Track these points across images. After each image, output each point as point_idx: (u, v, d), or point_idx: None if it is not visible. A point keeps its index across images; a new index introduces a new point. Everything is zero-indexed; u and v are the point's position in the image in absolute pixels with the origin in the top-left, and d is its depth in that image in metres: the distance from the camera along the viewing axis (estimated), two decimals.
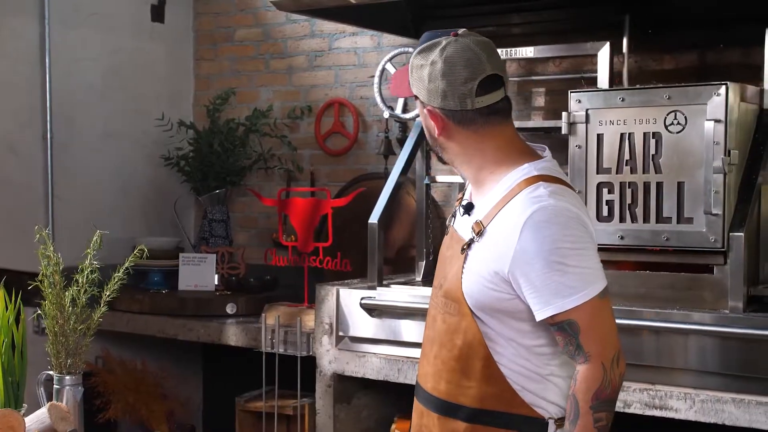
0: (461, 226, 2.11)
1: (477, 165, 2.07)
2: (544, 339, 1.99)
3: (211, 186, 4.63)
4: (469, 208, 2.10)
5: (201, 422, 4.90)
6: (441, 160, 2.16)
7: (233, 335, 3.97)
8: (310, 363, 3.59)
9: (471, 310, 2.00)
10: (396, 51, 3.73)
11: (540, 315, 1.94)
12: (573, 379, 1.96)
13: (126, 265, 2.35)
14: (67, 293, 2.27)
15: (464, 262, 2.02)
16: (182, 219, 4.86)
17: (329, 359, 3.48)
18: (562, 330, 1.93)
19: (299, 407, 3.84)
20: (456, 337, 2.03)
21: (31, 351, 2.40)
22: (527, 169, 2.01)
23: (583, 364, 1.94)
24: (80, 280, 2.27)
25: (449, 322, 2.05)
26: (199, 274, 4.40)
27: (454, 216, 2.20)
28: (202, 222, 4.66)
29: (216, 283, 4.41)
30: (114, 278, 2.34)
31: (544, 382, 2.01)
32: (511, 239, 1.93)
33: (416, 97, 2.08)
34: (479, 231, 2.01)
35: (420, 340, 3.21)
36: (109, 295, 2.33)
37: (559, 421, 2.00)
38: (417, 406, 2.17)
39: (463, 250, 2.03)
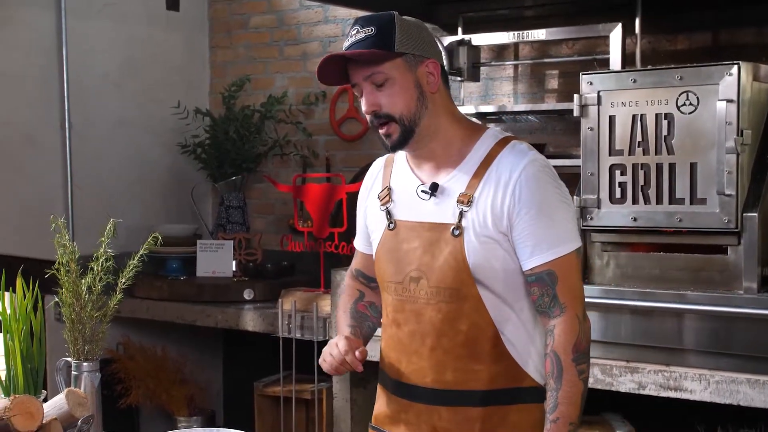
0: (428, 210, 2.06)
1: (445, 139, 2.05)
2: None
3: (228, 173, 4.65)
4: (434, 188, 2.04)
5: (221, 407, 4.95)
6: (395, 147, 2.05)
7: (251, 321, 4.00)
8: None
9: (477, 287, 1.99)
10: None
11: (527, 264, 1.98)
12: (549, 335, 1.98)
13: (141, 252, 2.37)
14: (83, 281, 2.30)
15: (463, 239, 1.99)
16: (199, 206, 4.89)
17: None
18: (540, 280, 1.98)
19: (316, 392, 3.87)
20: (459, 322, 2.01)
21: (51, 338, 2.44)
22: (493, 134, 2.08)
23: (558, 317, 1.97)
24: (95, 268, 2.29)
25: (446, 311, 2.01)
26: (217, 260, 4.43)
27: (388, 212, 2.12)
28: (219, 209, 4.69)
29: (233, 269, 4.44)
30: (129, 266, 2.37)
31: (531, 346, 2.04)
32: (507, 194, 1.97)
33: (398, 56, 1.97)
34: (468, 201, 2.00)
35: None
36: (124, 283, 2.35)
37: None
38: (409, 404, 2.09)
39: (457, 228, 2.00)
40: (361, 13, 4.46)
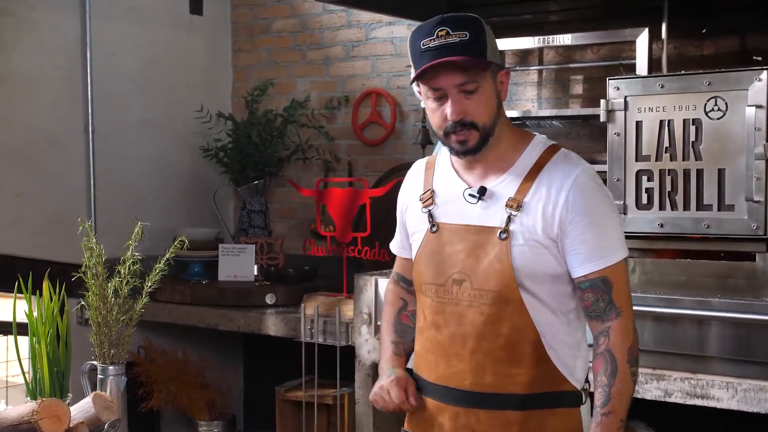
0: (474, 214, 2.06)
1: (500, 145, 2.06)
2: (576, 303, 2.06)
3: (250, 177, 4.66)
4: (482, 192, 2.05)
5: (242, 411, 4.95)
6: (468, 153, 2.04)
7: (273, 325, 3.99)
8: (350, 353, 3.60)
9: (520, 291, 2.00)
10: None
11: (580, 271, 2.00)
12: (604, 335, 2.00)
13: (167, 256, 2.36)
14: (109, 284, 2.29)
15: (510, 241, 2.00)
16: (221, 210, 4.89)
17: (368, 349, 3.50)
18: (594, 287, 2.00)
19: (338, 396, 3.86)
20: (501, 326, 2.01)
21: (75, 342, 2.44)
22: (542, 141, 2.10)
23: (614, 320, 2.00)
24: (122, 272, 2.29)
25: (488, 313, 2.02)
26: (239, 264, 4.43)
27: (430, 214, 2.12)
28: (241, 213, 4.69)
29: (255, 273, 4.44)
30: (155, 269, 2.36)
31: (576, 351, 2.06)
32: (559, 202, 1.99)
33: (488, 65, 1.98)
34: (518, 205, 2.01)
35: None
36: (150, 286, 2.35)
37: (585, 391, 2.09)
38: (446, 407, 2.09)
39: (504, 232, 2.01)
40: (385, 18, 4.46)
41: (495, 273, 2.01)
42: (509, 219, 2.02)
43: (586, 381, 2.11)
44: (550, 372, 2.03)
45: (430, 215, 2.13)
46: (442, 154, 2.19)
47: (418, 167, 2.25)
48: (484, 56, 1.97)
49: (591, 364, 2.05)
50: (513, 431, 2.03)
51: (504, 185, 2.05)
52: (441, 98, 2.01)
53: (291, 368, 4.04)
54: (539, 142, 2.10)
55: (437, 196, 2.14)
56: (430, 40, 1.96)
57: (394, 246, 2.34)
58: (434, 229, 2.11)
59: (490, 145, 2.05)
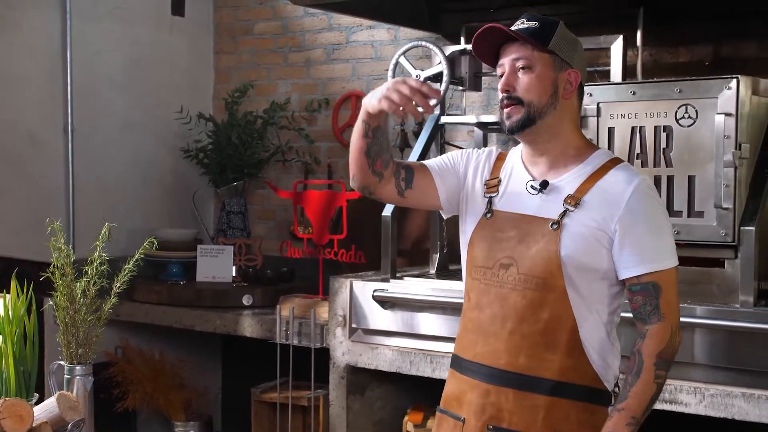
0: (533, 204, 2.15)
1: (563, 143, 2.17)
2: (617, 303, 2.16)
3: (230, 178, 4.66)
4: (544, 185, 2.15)
5: (219, 412, 4.94)
6: (512, 129, 2.14)
7: (249, 326, 4.00)
8: (324, 355, 3.62)
9: (564, 278, 2.07)
10: (410, 44, 3.73)
11: (631, 272, 2.08)
12: (640, 337, 2.09)
13: (136, 256, 2.38)
14: (77, 284, 2.30)
15: (561, 232, 2.09)
16: (201, 211, 4.90)
17: (343, 351, 3.51)
18: (645, 290, 2.09)
19: (313, 398, 3.87)
20: (542, 311, 2.09)
21: (51, 341, 2.44)
22: (605, 152, 2.23)
23: (655, 323, 2.09)
24: (90, 272, 2.30)
25: (530, 297, 2.10)
26: (217, 265, 4.43)
27: (490, 200, 2.20)
28: (221, 214, 4.70)
29: (233, 274, 4.44)
30: (124, 270, 2.38)
31: (611, 352, 2.14)
32: (619, 202, 2.08)
33: (548, 53, 2.11)
34: (576, 203, 2.10)
35: (433, 332, 3.25)
36: (119, 287, 2.36)
37: (615, 394, 2.16)
38: (478, 384, 2.16)
39: (555, 223, 2.09)
40: (366, 22, 4.48)
41: (542, 260, 2.09)
42: (564, 213, 2.11)
43: (617, 385, 2.17)
44: (583, 365, 2.10)
45: (490, 202, 2.21)
46: (515, 149, 2.29)
47: (493, 153, 2.31)
48: (545, 43, 2.11)
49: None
50: (539, 416, 2.10)
51: (566, 182, 2.15)
52: (503, 74, 2.16)
53: (268, 369, 4.04)
54: (603, 152, 2.22)
55: (502, 185, 2.23)
56: (512, 27, 2.15)
57: (430, 162, 2.34)
58: (489, 215, 2.20)
59: (549, 137, 2.15)
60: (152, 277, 4.49)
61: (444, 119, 3.82)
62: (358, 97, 4.58)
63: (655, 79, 3.03)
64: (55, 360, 2.34)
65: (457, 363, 2.25)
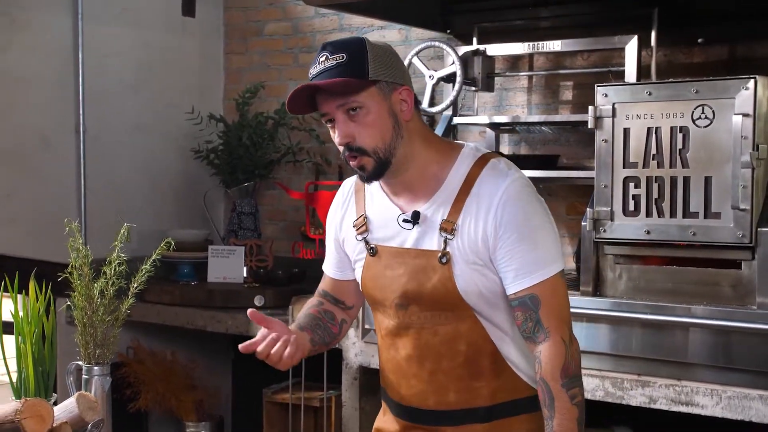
0: (412, 238, 2.01)
1: (422, 164, 1.99)
2: None
3: (240, 179, 4.66)
4: (416, 217, 2.00)
5: (230, 413, 4.94)
6: (370, 179, 1.98)
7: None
8: (337, 356, 3.61)
9: (471, 308, 1.98)
10: (423, 45, 3.74)
11: (510, 288, 1.95)
12: (537, 362, 1.95)
13: (153, 257, 2.37)
14: (95, 285, 2.30)
15: (452, 266, 1.96)
16: (211, 211, 4.90)
17: (355, 352, 3.50)
18: (523, 305, 1.94)
19: (325, 399, 3.86)
20: (458, 344, 2.00)
21: (62, 341, 2.44)
22: (470, 153, 2.02)
23: (544, 342, 1.93)
24: (108, 273, 2.30)
25: (443, 333, 2.00)
26: (228, 266, 4.43)
27: (366, 241, 2.06)
28: (231, 215, 4.69)
29: (244, 275, 4.44)
30: (142, 270, 2.37)
31: (529, 360, 2.02)
32: (489, 218, 1.94)
33: (372, 83, 1.91)
34: (451, 229, 1.96)
35: None
36: (136, 287, 2.36)
37: None
38: (412, 426, 2.09)
39: (443, 256, 1.96)
40: (377, 22, 4.48)
41: (443, 297, 1.98)
42: (446, 242, 1.96)
43: None
44: (512, 381, 2.03)
45: (366, 241, 2.08)
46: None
47: (347, 188, 2.18)
48: (362, 76, 1.90)
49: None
50: None
51: (435, 208, 1.99)
52: (333, 124, 1.95)
53: (278, 371, 4.02)
54: (467, 154, 2.02)
55: (371, 222, 2.08)
56: (314, 68, 1.93)
57: (329, 268, 2.25)
58: (372, 252, 2.06)
59: (406, 167, 1.98)
60: (163, 278, 4.48)
61: (456, 120, 3.82)
62: None
63: (671, 80, 3.01)
64: (65, 360, 2.34)
65: (386, 400, 2.17)
